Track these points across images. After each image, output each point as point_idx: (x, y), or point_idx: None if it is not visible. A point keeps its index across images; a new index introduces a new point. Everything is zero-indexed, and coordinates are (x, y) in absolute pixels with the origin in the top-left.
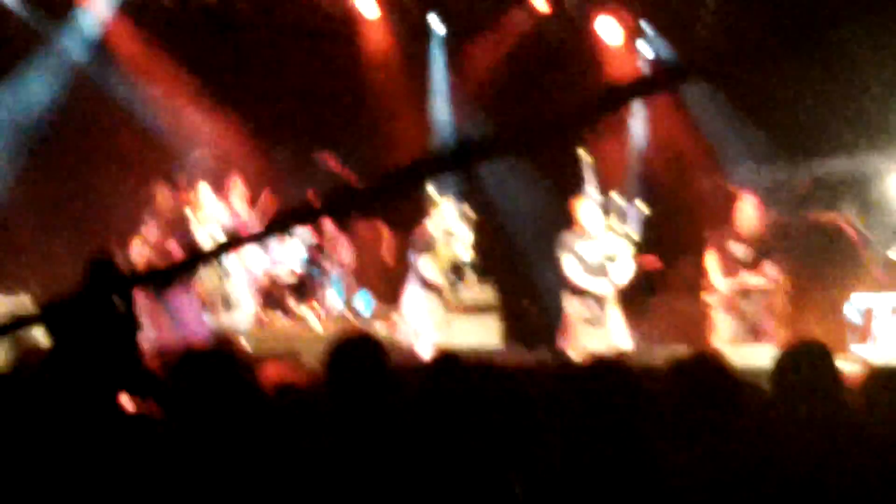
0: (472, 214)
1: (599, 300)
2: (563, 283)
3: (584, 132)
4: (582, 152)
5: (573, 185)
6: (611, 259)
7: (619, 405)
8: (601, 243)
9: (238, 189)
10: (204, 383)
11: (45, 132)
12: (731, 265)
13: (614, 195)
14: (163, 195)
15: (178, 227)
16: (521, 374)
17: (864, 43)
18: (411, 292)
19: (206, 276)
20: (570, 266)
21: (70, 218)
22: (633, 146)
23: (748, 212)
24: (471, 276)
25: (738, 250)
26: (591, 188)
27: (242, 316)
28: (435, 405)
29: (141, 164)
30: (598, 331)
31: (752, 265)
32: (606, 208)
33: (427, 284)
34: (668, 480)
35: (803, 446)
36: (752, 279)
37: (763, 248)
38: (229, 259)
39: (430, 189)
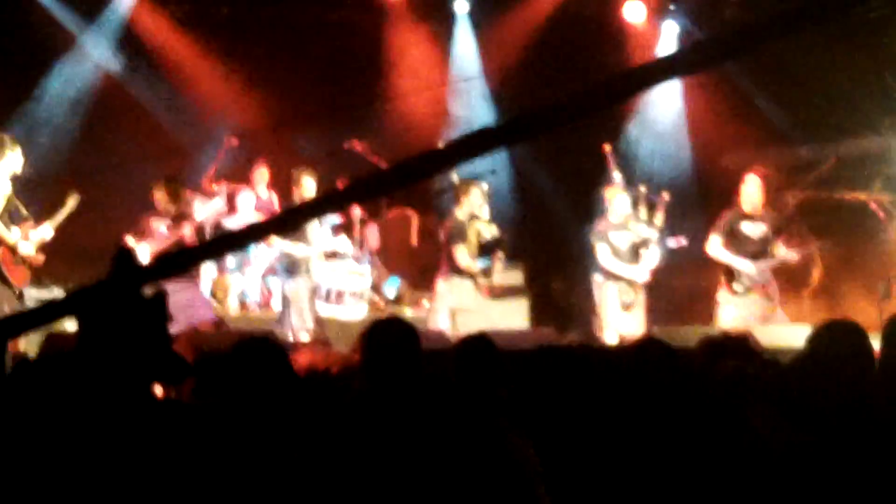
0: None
1: (633, 285)
2: (597, 269)
3: (609, 114)
4: (606, 145)
5: (599, 174)
6: (642, 246)
7: (670, 384)
8: (632, 231)
9: (264, 176)
10: (251, 369)
11: (72, 126)
12: (739, 244)
13: (641, 186)
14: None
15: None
16: (553, 354)
17: (891, 20)
18: (446, 279)
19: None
20: (603, 254)
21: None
22: (657, 128)
23: (751, 189)
24: (500, 257)
25: (747, 228)
26: (617, 178)
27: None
28: (470, 386)
29: (163, 155)
30: (631, 315)
31: (763, 243)
32: (635, 197)
33: (461, 271)
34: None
35: (835, 423)
36: (765, 261)
37: (776, 226)
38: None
39: (455, 175)
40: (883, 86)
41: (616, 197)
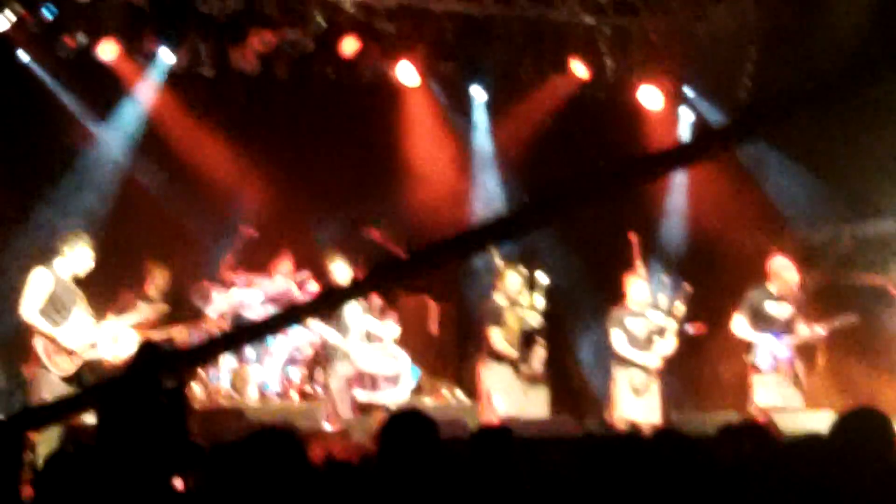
0: (540, 281)
1: (646, 372)
2: (611, 356)
3: (626, 198)
4: (632, 234)
5: (620, 260)
6: (658, 333)
7: (686, 475)
8: (649, 318)
9: (286, 266)
10: (271, 460)
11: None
12: (765, 324)
13: (660, 273)
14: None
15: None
16: (574, 445)
17: None
18: (484, 364)
19: None
20: (618, 340)
21: None
22: (676, 210)
23: (781, 269)
24: (541, 343)
25: (773, 308)
26: (638, 265)
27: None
28: (486, 478)
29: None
30: (643, 401)
31: (788, 324)
32: (654, 285)
33: (498, 356)
34: None
35: None
36: (792, 337)
37: (799, 307)
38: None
39: (497, 259)
40: None
41: (634, 284)
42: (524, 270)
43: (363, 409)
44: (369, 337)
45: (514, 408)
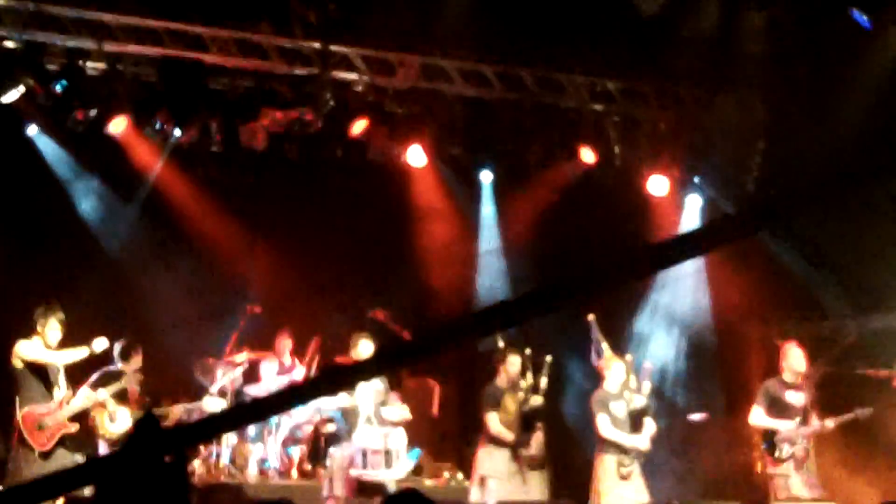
0: (547, 362)
1: (631, 455)
2: (596, 441)
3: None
4: (590, 315)
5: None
6: (641, 414)
7: None
8: (626, 400)
9: (287, 345)
10: None
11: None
12: (782, 414)
13: (628, 355)
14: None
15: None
16: None
17: None
18: (483, 447)
19: None
20: (604, 424)
21: None
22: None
23: (795, 359)
24: (540, 428)
25: (791, 397)
26: (604, 348)
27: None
28: None
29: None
30: (631, 485)
31: (804, 413)
32: (628, 369)
33: (496, 441)
34: None
35: None
36: (805, 428)
37: (812, 396)
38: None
39: (500, 342)
40: None
41: (613, 366)
42: (528, 353)
43: (361, 488)
44: (380, 420)
45: (512, 493)
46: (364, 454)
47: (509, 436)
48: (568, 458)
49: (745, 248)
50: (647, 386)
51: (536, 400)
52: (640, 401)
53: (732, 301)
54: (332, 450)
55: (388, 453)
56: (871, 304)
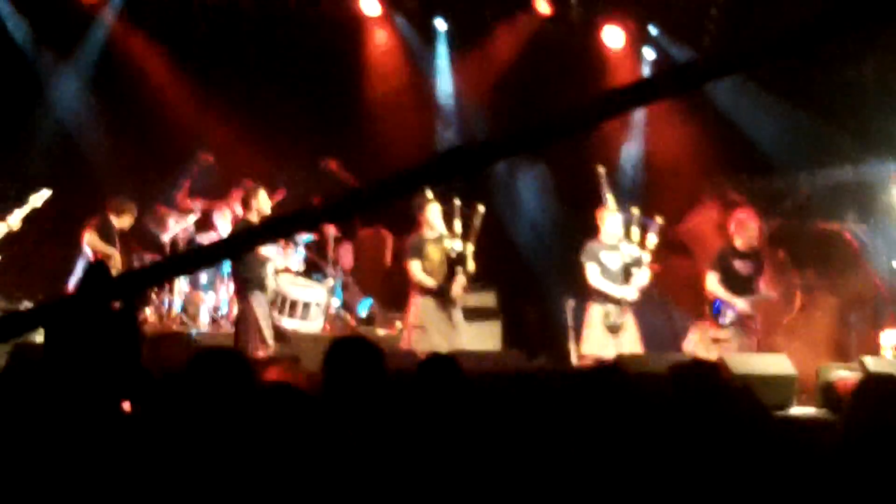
0: (473, 211)
1: (621, 307)
2: (585, 290)
3: (586, 136)
4: (599, 167)
5: (583, 195)
6: (633, 266)
7: (616, 409)
8: (623, 252)
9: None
10: (214, 382)
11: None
12: (733, 282)
13: (634, 209)
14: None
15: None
16: (519, 378)
17: (867, 49)
18: (412, 298)
19: None
20: (593, 274)
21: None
22: (635, 154)
23: (747, 229)
24: (465, 275)
25: (739, 266)
26: (608, 199)
27: None
28: (430, 408)
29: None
30: (618, 337)
31: (752, 280)
32: (628, 220)
33: (420, 289)
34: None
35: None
36: (752, 296)
37: (762, 262)
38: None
39: (425, 192)
40: (859, 115)
41: (608, 218)
42: (457, 203)
43: (279, 337)
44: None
45: (441, 342)
46: (283, 301)
47: (430, 282)
48: (521, 311)
49: (692, 102)
50: (651, 239)
51: (456, 245)
52: (637, 252)
53: (684, 156)
54: (252, 297)
55: (306, 305)
56: (825, 158)
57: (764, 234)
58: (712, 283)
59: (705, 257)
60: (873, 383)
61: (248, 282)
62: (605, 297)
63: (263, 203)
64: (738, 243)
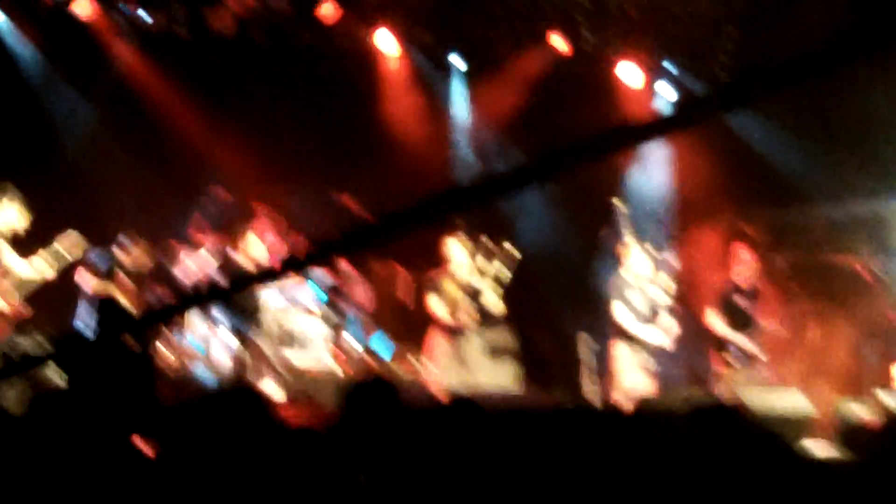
0: (499, 248)
1: (649, 348)
2: (613, 329)
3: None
4: (616, 201)
5: (596, 229)
6: (658, 307)
7: (639, 451)
8: (647, 292)
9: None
10: (232, 422)
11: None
12: (734, 316)
13: (649, 246)
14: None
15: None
16: (539, 418)
17: (884, 82)
18: (431, 334)
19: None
20: (621, 313)
21: None
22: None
23: (742, 261)
24: (491, 314)
25: (739, 300)
26: (627, 235)
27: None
28: (449, 449)
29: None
30: (646, 377)
31: (752, 315)
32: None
33: (442, 326)
34: None
35: None
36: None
37: (760, 296)
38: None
39: (446, 227)
40: (874, 149)
41: (630, 253)
42: (483, 239)
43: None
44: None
45: (460, 376)
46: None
47: (447, 318)
48: (539, 349)
49: (707, 135)
50: (669, 283)
51: (474, 281)
52: (660, 295)
53: (699, 190)
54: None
55: (311, 339)
56: (839, 191)
57: (778, 267)
58: (713, 319)
59: (704, 291)
60: None
61: (246, 315)
62: (632, 338)
63: (252, 244)
64: (737, 278)
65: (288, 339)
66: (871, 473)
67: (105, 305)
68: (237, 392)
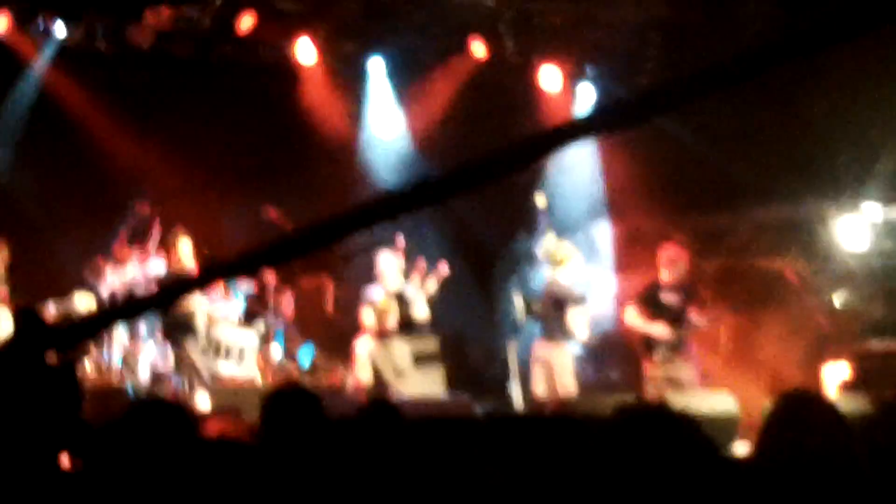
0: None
1: (574, 350)
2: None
3: (523, 171)
4: (539, 196)
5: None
6: (581, 309)
7: (566, 456)
8: (569, 292)
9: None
10: (154, 435)
11: None
12: (659, 312)
13: (571, 246)
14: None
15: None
16: (463, 424)
17: (808, 87)
18: (360, 342)
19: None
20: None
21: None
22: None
23: (674, 262)
24: (418, 322)
25: (666, 297)
26: (547, 230)
27: None
28: (371, 456)
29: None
30: (572, 380)
31: (680, 312)
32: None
33: (367, 334)
34: None
35: None
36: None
37: (691, 294)
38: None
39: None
40: (800, 153)
41: (554, 254)
42: (422, 263)
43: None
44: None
45: (388, 385)
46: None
47: (375, 328)
48: (463, 353)
49: (633, 139)
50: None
51: (408, 291)
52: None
53: (626, 194)
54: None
55: (240, 350)
56: (766, 196)
57: (705, 272)
58: (631, 316)
59: (631, 292)
60: (787, 403)
61: (178, 327)
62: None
63: (183, 251)
64: (667, 277)
65: (216, 350)
66: (797, 474)
67: (24, 316)
68: (160, 405)
